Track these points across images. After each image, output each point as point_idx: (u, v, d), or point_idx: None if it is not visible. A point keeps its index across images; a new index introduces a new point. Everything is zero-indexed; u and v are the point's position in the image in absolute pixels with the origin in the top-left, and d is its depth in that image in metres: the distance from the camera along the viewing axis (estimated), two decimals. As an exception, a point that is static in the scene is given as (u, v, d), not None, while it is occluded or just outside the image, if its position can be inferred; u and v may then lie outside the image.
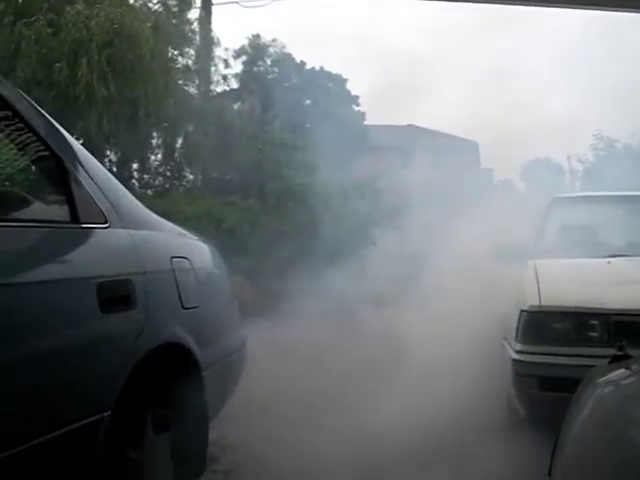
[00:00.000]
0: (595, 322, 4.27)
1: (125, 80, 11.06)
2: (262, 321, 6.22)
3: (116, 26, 11.07)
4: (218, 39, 15.08)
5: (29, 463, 2.08)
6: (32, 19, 10.63)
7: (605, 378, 1.71)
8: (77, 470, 2.34)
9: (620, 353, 1.96)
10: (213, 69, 15.59)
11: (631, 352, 2.01)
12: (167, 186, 14.98)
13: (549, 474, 1.85)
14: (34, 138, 2.50)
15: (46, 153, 2.55)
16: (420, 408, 4.56)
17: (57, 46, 10.77)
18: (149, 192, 14.22)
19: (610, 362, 1.93)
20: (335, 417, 4.59)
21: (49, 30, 10.80)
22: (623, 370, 1.80)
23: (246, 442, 4.67)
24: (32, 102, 2.61)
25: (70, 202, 2.53)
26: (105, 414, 2.38)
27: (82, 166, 2.69)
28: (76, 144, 2.91)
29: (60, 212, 2.51)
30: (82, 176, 2.64)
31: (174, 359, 2.93)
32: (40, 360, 2.11)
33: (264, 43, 20.98)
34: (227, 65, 16.20)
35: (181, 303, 3.03)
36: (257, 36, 20.45)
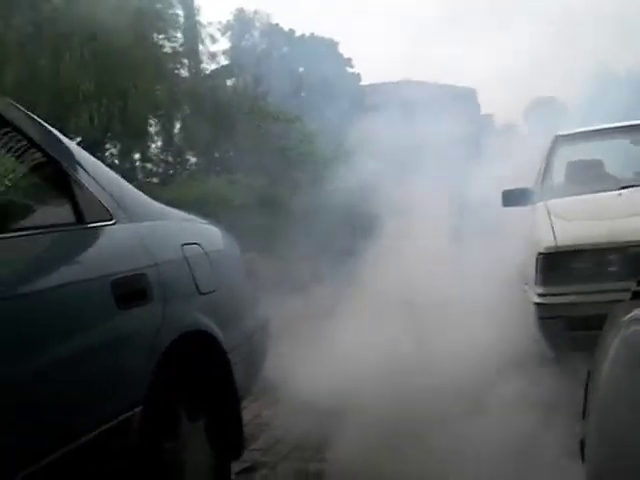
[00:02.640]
0: (613, 256, 4.25)
1: (111, 72, 10.98)
2: (283, 293, 6.21)
3: (97, 17, 10.98)
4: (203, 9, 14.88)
5: (64, 469, 2.09)
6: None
7: (629, 316, 1.69)
8: (115, 468, 2.35)
9: (640, 288, 1.93)
10: (201, 47, 15.47)
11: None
12: (171, 172, 14.98)
13: (583, 417, 1.85)
14: (29, 145, 2.49)
15: (43, 159, 2.54)
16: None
17: (40, 44, 10.70)
18: (154, 180, 14.22)
19: (632, 298, 1.92)
20: (374, 382, 4.58)
21: (29, 30, 10.73)
22: (647, 306, 1.78)
23: (281, 417, 4.70)
24: (21, 108, 2.59)
25: (73, 203, 2.51)
26: (136, 410, 2.39)
27: (81, 166, 2.68)
28: (72, 144, 2.90)
29: (64, 215, 2.50)
30: (82, 176, 2.63)
31: (198, 346, 2.93)
32: (63, 366, 2.11)
33: (249, 16, 20.80)
34: (214, 40, 16.05)
35: (197, 289, 3.02)
36: (241, 10, 20.27)
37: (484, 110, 23.67)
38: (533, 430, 3.66)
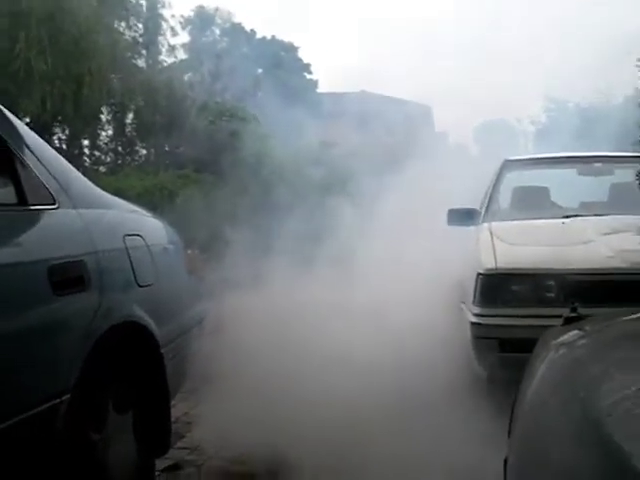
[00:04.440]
0: (551, 283, 4.31)
1: (68, 55, 10.81)
2: (220, 293, 6.18)
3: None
4: (167, 3, 14.84)
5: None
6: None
7: (558, 340, 1.73)
8: (36, 456, 2.31)
9: (573, 314, 1.98)
10: (161, 38, 15.37)
11: (584, 313, 2.04)
12: (119, 162, 14.83)
13: (508, 436, 1.88)
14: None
15: (-11, 136, 2.49)
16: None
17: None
18: (101, 169, 14.06)
19: (563, 324, 1.96)
20: (300, 384, 4.58)
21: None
22: (576, 331, 1.82)
23: (210, 416, 4.67)
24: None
25: (16, 184, 2.48)
26: (64, 398, 2.35)
27: (27, 147, 2.64)
28: (20, 125, 2.85)
29: (5, 195, 2.46)
30: (27, 157, 2.59)
31: (132, 338, 2.91)
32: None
33: (210, 13, 20.71)
34: (174, 33, 15.96)
35: (136, 281, 3.01)
36: (201, 7, 20.19)
37: (438, 128, 23.93)
38: (459, 442, 3.71)
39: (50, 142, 11.57)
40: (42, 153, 2.74)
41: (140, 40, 14.71)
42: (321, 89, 27.06)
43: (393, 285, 6.00)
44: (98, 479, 2.65)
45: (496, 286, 4.41)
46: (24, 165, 2.55)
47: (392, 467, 3.66)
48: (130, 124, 14.61)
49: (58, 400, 2.33)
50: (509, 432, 1.88)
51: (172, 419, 3.32)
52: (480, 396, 4.21)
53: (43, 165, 2.66)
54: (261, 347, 5.20)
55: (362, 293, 6.15)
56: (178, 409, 4.55)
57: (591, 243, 4.61)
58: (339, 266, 7.00)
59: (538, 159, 6.60)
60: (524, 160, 6.55)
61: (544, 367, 1.61)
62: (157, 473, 3.48)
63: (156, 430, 3.15)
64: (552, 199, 6.11)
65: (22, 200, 2.48)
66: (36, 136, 2.87)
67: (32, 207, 2.52)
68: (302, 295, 6.33)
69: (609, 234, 4.69)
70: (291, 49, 28.71)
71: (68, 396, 2.37)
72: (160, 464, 3.62)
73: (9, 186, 2.48)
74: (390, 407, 4.25)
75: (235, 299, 6.17)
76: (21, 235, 2.46)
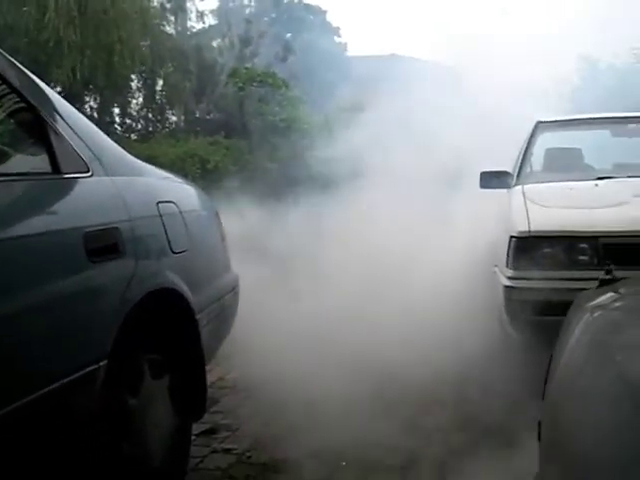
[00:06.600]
0: (584, 245, 4.28)
1: (97, 24, 10.81)
2: (253, 258, 6.21)
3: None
4: None
5: (26, 419, 2.09)
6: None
7: (593, 302, 1.73)
8: (76, 421, 2.36)
9: (608, 277, 1.97)
10: (189, 4, 15.30)
11: (618, 275, 2.02)
12: (150, 129, 14.85)
13: (542, 398, 1.88)
14: (8, 90, 2.46)
15: (22, 105, 2.50)
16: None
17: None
18: (132, 136, 14.10)
19: (598, 286, 1.95)
20: (335, 352, 4.60)
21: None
22: (611, 294, 1.81)
23: (244, 381, 4.72)
24: (3, 53, 2.55)
25: (50, 153, 2.49)
26: (101, 363, 2.39)
27: (60, 116, 2.65)
28: (52, 94, 2.86)
29: (41, 163, 2.48)
30: (61, 126, 2.60)
31: (167, 304, 2.93)
32: (30, 315, 2.10)
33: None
34: (202, -2, 15.88)
35: (170, 248, 3.02)
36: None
37: (469, 90, 23.65)
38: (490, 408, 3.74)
39: (82, 111, 11.62)
40: (75, 121, 2.75)
41: (168, 6, 14.65)
42: (351, 52, 26.89)
43: (424, 245, 6.01)
44: (135, 443, 2.69)
45: (529, 249, 4.38)
46: (57, 134, 2.57)
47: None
48: (160, 91, 14.61)
49: (96, 366, 2.37)
50: (543, 395, 1.88)
51: (207, 384, 3.36)
52: (513, 359, 4.22)
53: (76, 133, 2.67)
54: (297, 307, 5.24)
55: (392, 258, 6.15)
56: (213, 374, 4.60)
57: (625, 205, 4.56)
58: (367, 234, 6.98)
59: (571, 120, 6.51)
60: (557, 121, 6.45)
61: (579, 330, 1.61)
62: (193, 437, 3.53)
63: (192, 395, 3.19)
64: (585, 161, 6.04)
65: (56, 168, 2.50)
66: (68, 105, 2.88)
67: (66, 175, 2.53)
68: (344, 253, 6.35)
69: (643, 195, 4.63)
70: (319, 12, 28.50)
71: (105, 362, 2.41)
72: (196, 428, 3.66)
73: (43, 154, 2.50)
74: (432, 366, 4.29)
75: (270, 262, 6.20)
76: (56, 203, 2.48)
